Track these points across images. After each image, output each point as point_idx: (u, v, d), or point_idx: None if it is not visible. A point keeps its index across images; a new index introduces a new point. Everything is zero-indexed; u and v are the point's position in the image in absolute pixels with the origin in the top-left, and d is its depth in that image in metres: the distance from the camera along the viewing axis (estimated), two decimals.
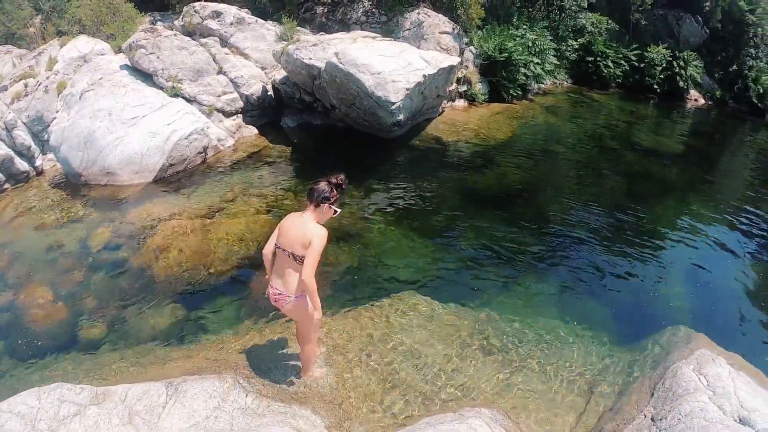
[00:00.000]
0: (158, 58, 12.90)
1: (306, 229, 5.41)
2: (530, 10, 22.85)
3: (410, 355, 7.16)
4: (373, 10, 18.71)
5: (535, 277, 9.40)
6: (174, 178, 11.38)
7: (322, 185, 5.48)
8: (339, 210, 5.75)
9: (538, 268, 9.69)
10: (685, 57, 24.99)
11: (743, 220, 12.98)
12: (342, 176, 5.59)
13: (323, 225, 5.55)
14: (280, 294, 5.65)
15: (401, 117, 13.22)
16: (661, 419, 5.77)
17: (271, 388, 6.23)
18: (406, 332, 7.58)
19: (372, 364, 6.96)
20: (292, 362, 6.69)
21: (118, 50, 13.91)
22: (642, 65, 24.78)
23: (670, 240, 11.40)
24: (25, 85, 12.30)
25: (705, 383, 6.16)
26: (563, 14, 23.60)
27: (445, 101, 17.17)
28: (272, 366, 6.63)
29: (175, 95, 12.62)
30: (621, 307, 8.90)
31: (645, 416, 6.10)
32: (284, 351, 6.91)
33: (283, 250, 5.55)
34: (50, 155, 11.79)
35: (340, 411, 6.15)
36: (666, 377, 6.60)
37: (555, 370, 7.26)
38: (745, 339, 8.55)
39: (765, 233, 12.48)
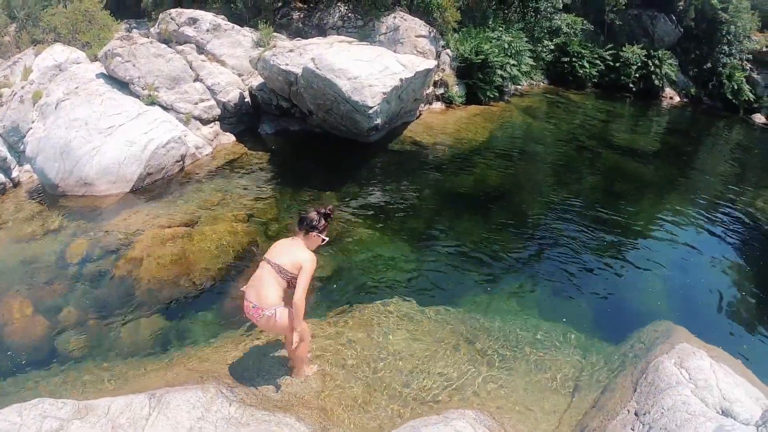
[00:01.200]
0: (134, 66, 12.84)
1: (297, 253, 5.78)
2: (506, 12, 22.98)
3: (393, 359, 7.20)
4: (350, 14, 18.68)
5: (516, 277, 9.49)
6: (152, 187, 11.31)
7: (312, 215, 5.81)
8: (327, 238, 6.09)
9: (519, 268, 9.79)
10: (660, 56, 25.30)
11: (720, 215, 13.21)
12: (330, 206, 5.98)
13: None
14: (254, 307, 5.81)
15: (378, 121, 13.28)
16: (644, 414, 5.82)
17: (255, 397, 6.23)
18: (389, 335, 7.62)
19: (355, 368, 6.99)
20: (274, 370, 6.71)
21: (94, 59, 13.78)
22: (617, 65, 25.05)
23: (649, 237, 11.57)
24: (0, 95, 12.20)
25: (687, 377, 6.23)
26: (538, 16, 23.75)
27: (423, 104, 17.23)
28: (255, 374, 6.63)
29: (152, 103, 12.56)
30: (602, 305, 9.02)
31: (629, 411, 6.15)
32: (267, 359, 6.91)
33: (269, 261, 5.80)
34: (27, 166, 11.67)
35: (325, 417, 6.16)
36: (648, 372, 6.66)
37: (538, 369, 7.33)
38: (725, 331, 8.72)
39: (742, 228, 12.70)
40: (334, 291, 8.66)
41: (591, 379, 7.25)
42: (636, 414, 5.99)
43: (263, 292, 5.77)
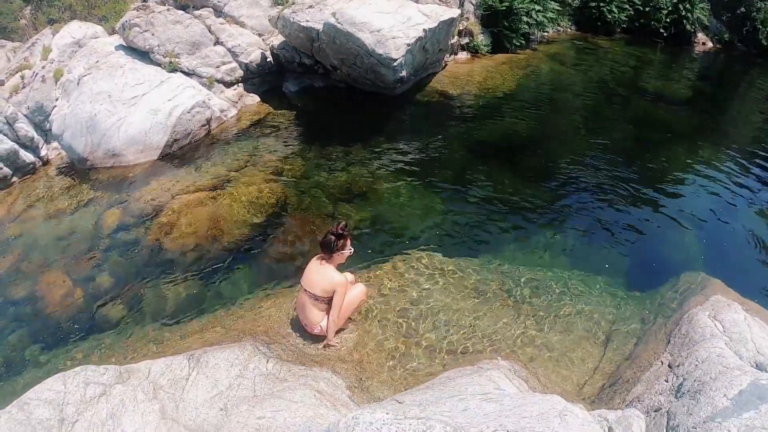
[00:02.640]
0: (153, 35, 12.71)
1: (328, 278, 6.25)
2: None
3: (427, 311, 7.16)
4: None
5: (547, 227, 9.34)
6: (179, 153, 11.27)
7: (329, 238, 6.23)
8: (352, 249, 6.49)
9: (550, 218, 9.63)
10: None
11: (755, 164, 12.78)
12: (342, 224, 6.32)
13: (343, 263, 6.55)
14: (305, 325, 6.51)
15: (404, 73, 13.05)
16: (678, 366, 5.73)
17: (291, 352, 6.26)
18: (421, 288, 7.57)
19: (390, 321, 6.97)
20: None
21: (112, 31, 13.71)
22: (647, 9, 23.98)
23: (681, 187, 11.26)
24: (22, 77, 12.18)
25: (721, 329, 6.14)
26: None
27: (448, 55, 16.85)
28: (290, 330, 6.67)
29: (174, 70, 12.45)
30: (634, 256, 8.83)
31: (662, 363, 6.07)
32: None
33: (305, 290, 6.32)
34: (54, 144, 11.66)
35: (360, 370, 6.18)
36: (682, 324, 6.57)
37: (571, 320, 7.25)
38: (760, 285, 8.42)
39: None
40: (365, 243, 8.58)
41: (624, 330, 7.17)
42: (669, 366, 5.93)
43: (308, 315, 6.39)
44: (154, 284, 7.79)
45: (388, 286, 7.55)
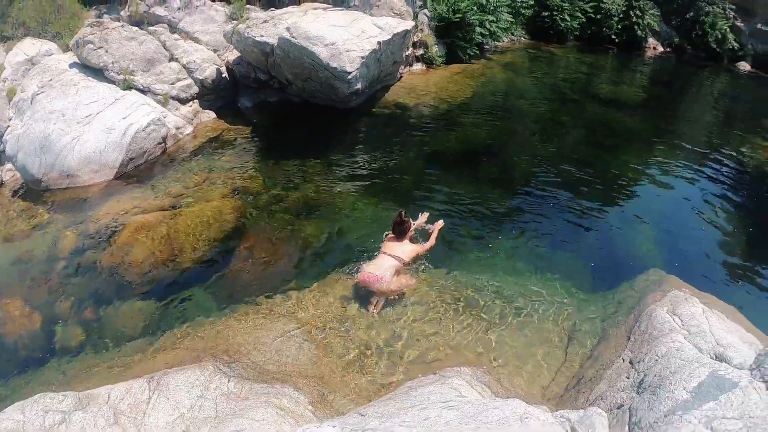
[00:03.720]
0: (107, 51, 12.61)
1: (410, 247, 8.24)
2: None
3: (388, 322, 7.29)
4: None
5: (507, 233, 9.52)
6: (136, 172, 11.18)
7: (398, 229, 8.17)
8: (413, 222, 8.57)
9: (509, 224, 9.82)
10: (642, 6, 24.70)
11: (708, 163, 13.22)
12: (402, 212, 8.27)
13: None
14: (375, 275, 7.57)
15: (359, 86, 13.18)
16: (638, 362, 5.89)
17: (252, 371, 6.32)
18: (382, 299, 7.64)
19: (351, 334, 7.08)
20: (269, 342, 6.77)
21: (66, 48, 13.55)
22: (598, 17, 24.47)
23: (636, 187, 11.60)
24: None
25: (680, 323, 6.30)
26: None
27: (403, 66, 17.02)
28: (251, 348, 6.73)
29: (128, 88, 12.35)
30: (594, 257, 9.06)
31: (623, 360, 6.22)
32: (261, 332, 6.99)
33: (385, 252, 7.97)
34: (8, 165, 11.49)
35: (323, 385, 6.27)
36: (641, 320, 6.73)
37: (533, 324, 7.44)
38: (717, 278, 8.79)
39: (729, 175, 12.74)
40: (323, 259, 8.71)
41: (586, 330, 7.36)
42: (630, 362, 6.08)
43: (385, 270, 7.65)
44: (112, 306, 7.76)
45: (348, 299, 7.68)
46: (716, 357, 5.47)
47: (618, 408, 5.23)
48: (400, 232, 8.14)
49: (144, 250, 8.74)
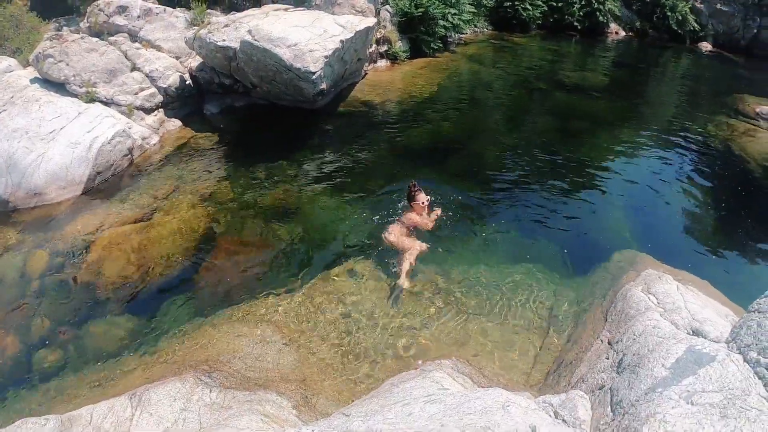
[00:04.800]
0: (68, 64, 12.48)
1: (407, 216, 9.21)
2: None
3: (366, 319, 7.37)
4: None
5: (480, 225, 9.64)
6: (104, 185, 11.06)
7: (408, 194, 9.40)
8: (426, 199, 9.26)
9: (481, 215, 9.94)
10: None
11: (674, 143, 13.56)
12: (412, 182, 9.41)
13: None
14: (386, 232, 8.97)
15: (323, 86, 13.20)
16: (617, 342, 5.97)
17: (234, 379, 6.32)
18: (357, 297, 7.78)
19: (329, 334, 7.14)
20: (249, 349, 6.78)
21: (27, 64, 13.37)
22: (560, 4, 24.94)
23: (606, 171, 11.79)
24: None
25: (655, 301, 6.41)
26: None
27: (367, 63, 17.09)
28: (230, 356, 6.72)
29: (92, 100, 12.21)
30: (567, 242, 9.21)
31: (602, 341, 6.31)
32: (240, 339, 6.98)
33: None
34: None
35: (305, 388, 6.29)
36: (617, 301, 6.85)
37: (511, 312, 7.56)
38: (689, 254, 9.03)
39: (695, 153, 13.05)
40: (297, 261, 8.71)
41: (563, 314, 7.51)
42: (609, 343, 6.16)
43: (392, 226, 9.03)
44: (88, 325, 7.68)
45: (324, 299, 7.73)
46: (693, 332, 5.57)
47: (599, 389, 5.28)
48: (408, 199, 9.33)
49: (117, 264, 8.69)
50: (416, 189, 9.25)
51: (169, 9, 15.50)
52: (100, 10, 14.67)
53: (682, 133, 14.19)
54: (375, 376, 6.51)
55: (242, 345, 6.85)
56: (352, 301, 7.68)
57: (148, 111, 13.12)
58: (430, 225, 9.18)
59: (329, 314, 7.45)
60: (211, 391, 6.00)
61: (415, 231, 9.04)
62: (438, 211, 9.43)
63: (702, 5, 26.62)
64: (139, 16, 14.67)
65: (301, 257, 8.80)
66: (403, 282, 7.87)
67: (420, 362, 6.60)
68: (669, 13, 25.92)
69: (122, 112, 12.45)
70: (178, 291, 8.19)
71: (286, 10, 15.09)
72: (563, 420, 4.66)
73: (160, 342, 7.26)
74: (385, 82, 16.51)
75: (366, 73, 16.87)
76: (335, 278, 8.20)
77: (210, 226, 9.52)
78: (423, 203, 9.19)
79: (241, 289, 8.11)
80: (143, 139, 12.32)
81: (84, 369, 7.02)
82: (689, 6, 26.00)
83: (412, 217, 9.15)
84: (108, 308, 7.94)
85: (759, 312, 4.66)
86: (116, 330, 7.57)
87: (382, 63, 17.98)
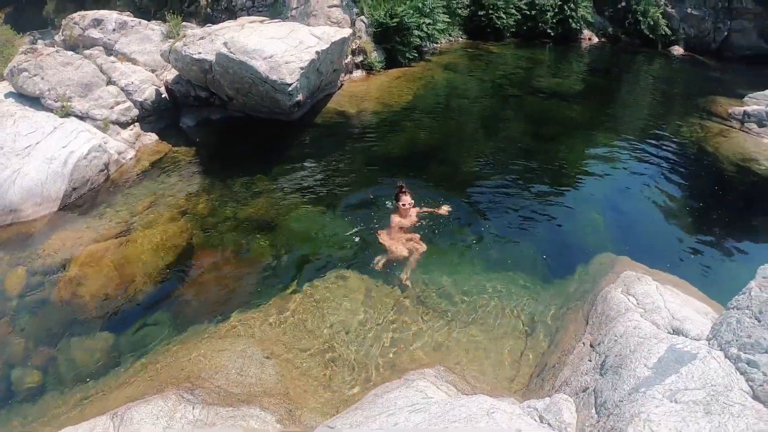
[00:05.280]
0: (43, 78, 12.37)
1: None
2: None
3: (347, 331, 7.39)
4: None
5: (459, 232, 9.74)
6: (80, 201, 10.93)
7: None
8: (405, 203, 9.48)
9: (459, 224, 10.00)
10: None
11: (649, 146, 13.82)
12: (399, 183, 9.77)
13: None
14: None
15: (299, 97, 13.23)
16: (599, 344, 6.06)
17: (216, 395, 6.28)
18: (338, 309, 7.79)
19: (311, 347, 7.14)
20: (230, 364, 6.75)
21: (1, 78, 13.27)
22: (533, 12, 25.24)
23: (582, 175, 11.97)
24: None
25: (635, 302, 6.52)
26: None
27: (343, 74, 17.15)
28: (212, 372, 6.67)
29: (67, 115, 12.11)
30: (546, 247, 9.34)
31: (584, 344, 6.39)
32: (222, 355, 6.94)
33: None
34: None
35: (288, 401, 6.28)
36: (597, 303, 6.94)
37: (493, 318, 7.64)
38: (667, 255, 9.19)
39: (670, 155, 13.27)
40: (276, 274, 8.73)
41: (545, 319, 7.62)
42: (591, 345, 6.24)
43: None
44: (68, 343, 7.60)
45: (305, 312, 7.74)
46: (673, 331, 5.66)
47: (583, 391, 5.35)
48: (395, 200, 9.65)
49: (95, 281, 8.61)
50: (402, 191, 9.53)
51: (144, 22, 15.44)
52: (75, 23, 14.58)
53: (656, 136, 14.49)
54: (359, 386, 6.54)
55: (224, 360, 6.81)
56: (333, 312, 7.70)
57: (124, 125, 13.03)
58: (408, 224, 9.45)
59: (311, 325, 7.46)
60: (194, 408, 5.96)
61: (411, 231, 9.38)
62: (444, 208, 9.97)
63: (673, 10, 27.09)
64: (114, 30, 14.60)
65: (282, 270, 8.80)
66: (406, 280, 8.35)
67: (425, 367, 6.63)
68: (641, 19, 26.40)
69: (98, 127, 12.35)
70: (159, 307, 8.15)
71: (261, 22, 15.11)
72: (548, 424, 4.71)
73: (140, 359, 7.21)
74: (362, 92, 16.56)
75: (342, 84, 16.91)
76: (316, 289, 8.20)
77: (189, 241, 9.49)
78: (404, 205, 9.42)
79: (221, 303, 8.09)
80: (119, 153, 12.22)
81: (64, 389, 6.94)
82: (661, 11, 26.47)
83: (394, 218, 9.40)
84: (88, 326, 7.86)
85: (738, 309, 4.75)
86: (96, 348, 7.50)
87: (358, 73, 18.04)
